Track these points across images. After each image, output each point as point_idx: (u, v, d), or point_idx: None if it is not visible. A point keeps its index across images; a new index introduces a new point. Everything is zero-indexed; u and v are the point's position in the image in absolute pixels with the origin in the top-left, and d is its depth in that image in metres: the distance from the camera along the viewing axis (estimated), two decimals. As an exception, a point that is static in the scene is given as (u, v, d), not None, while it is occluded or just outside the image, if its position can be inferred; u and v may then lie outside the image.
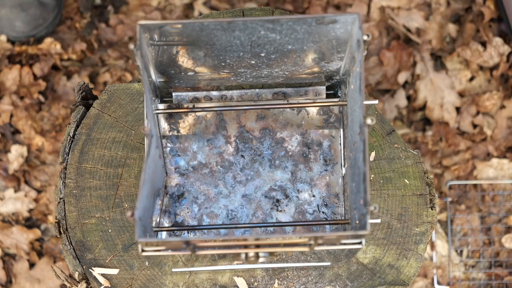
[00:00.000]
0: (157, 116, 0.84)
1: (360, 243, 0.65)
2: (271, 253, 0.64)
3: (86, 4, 1.53)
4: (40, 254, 1.44)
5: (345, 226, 0.83)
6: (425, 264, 1.43)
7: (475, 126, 1.50)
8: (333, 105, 0.85)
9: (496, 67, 1.50)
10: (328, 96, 0.87)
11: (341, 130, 0.87)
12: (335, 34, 0.68)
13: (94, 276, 0.83)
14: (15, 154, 1.45)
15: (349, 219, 0.78)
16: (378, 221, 0.66)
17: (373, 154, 0.87)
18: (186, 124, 0.87)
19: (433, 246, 1.43)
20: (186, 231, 0.85)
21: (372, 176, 0.86)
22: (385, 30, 1.54)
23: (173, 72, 0.79)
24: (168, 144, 0.87)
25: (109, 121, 0.88)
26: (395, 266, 0.84)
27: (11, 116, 1.49)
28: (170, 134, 0.87)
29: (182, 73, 0.79)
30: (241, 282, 0.83)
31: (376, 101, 0.71)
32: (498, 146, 1.48)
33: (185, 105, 0.86)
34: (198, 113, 0.87)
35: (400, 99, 1.51)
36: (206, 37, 0.68)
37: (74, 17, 1.54)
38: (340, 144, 0.87)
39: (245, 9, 0.92)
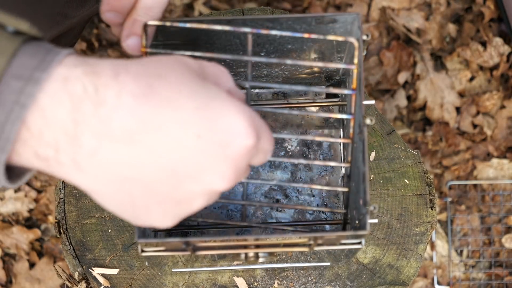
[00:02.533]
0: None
1: (360, 243, 0.65)
2: (270, 253, 0.64)
3: (86, 4, 1.54)
4: (40, 254, 1.44)
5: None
6: (425, 264, 1.43)
7: (475, 126, 1.50)
8: (333, 105, 0.85)
9: (496, 67, 1.50)
10: (328, 96, 0.86)
11: (341, 130, 0.86)
12: (335, 33, 0.68)
13: (94, 276, 0.83)
14: (15, 154, 1.45)
15: (348, 219, 0.78)
16: (375, 221, 0.65)
17: (373, 154, 0.87)
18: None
19: (433, 246, 1.43)
20: (186, 232, 0.85)
21: (372, 176, 0.86)
22: (385, 30, 1.54)
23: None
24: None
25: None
26: (395, 266, 0.84)
27: (11, 116, 1.49)
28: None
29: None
30: (241, 282, 0.83)
31: (373, 101, 0.71)
32: (498, 146, 1.48)
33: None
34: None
35: (400, 99, 1.51)
36: (206, 36, 0.68)
37: (74, 17, 1.54)
38: (340, 144, 0.87)
39: (245, 9, 0.92)
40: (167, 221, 0.49)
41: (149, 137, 0.44)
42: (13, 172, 0.46)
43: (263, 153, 0.51)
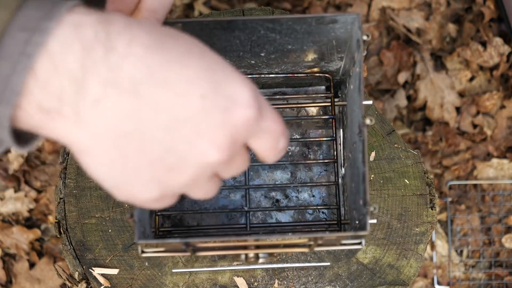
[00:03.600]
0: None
1: (360, 243, 0.65)
2: (270, 254, 0.64)
3: (86, 4, 1.53)
4: (40, 254, 1.44)
5: (345, 226, 0.83)
6: (425, 264, 1.43)
7: (475, 126, 1.50)
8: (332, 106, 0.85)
9: (496, 67, 1.50)
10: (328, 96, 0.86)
11: (341, 130, 0.87)
12: (335, 34, 0.68)
13: (94, 276, 0.83)
14: (15, 154, 1.45)
15: (349, 219, 0.78)
16: (374, 221, 0.65)
17: (373, 154, 0.87)
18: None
19: (433, 246, 1.43)
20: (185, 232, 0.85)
21: (372, 176, 0.86)
22: (385, 30, 1.54)
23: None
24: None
25: (109, 121, 0.88)
26: (395, 266, 0.84)
27: (11, 116, 1.49)
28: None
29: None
30: (241, 282, 0.84)
31: (371, 102, 0.71)
32: (498, 146, 1.48)
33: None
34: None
35: (400, 99, 1.51)
36: (206, 37, 0.68)
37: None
38: (340, 144, 0.87)
39: (245, 9, 0.92)
40: (152, 189, 0.47)
41: (154, 91, 0.43)
42: (22, 138, 0.46)
43: (269, 133, 0.49)
